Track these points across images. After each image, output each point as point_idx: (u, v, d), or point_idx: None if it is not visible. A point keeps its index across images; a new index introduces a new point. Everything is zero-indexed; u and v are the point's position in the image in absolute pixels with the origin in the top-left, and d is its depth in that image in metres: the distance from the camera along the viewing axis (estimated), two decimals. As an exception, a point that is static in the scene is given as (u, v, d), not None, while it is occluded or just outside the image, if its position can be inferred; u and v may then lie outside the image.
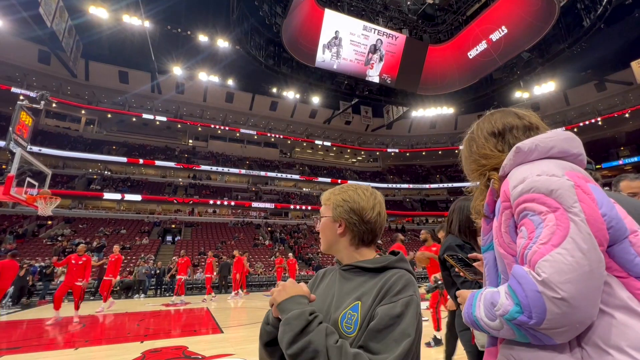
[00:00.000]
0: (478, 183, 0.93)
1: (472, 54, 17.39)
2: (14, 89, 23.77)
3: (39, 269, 11.58)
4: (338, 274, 0.94)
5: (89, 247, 17.78)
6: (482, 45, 16.71)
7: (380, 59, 17.54)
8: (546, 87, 21.47)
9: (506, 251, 0.77)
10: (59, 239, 19.34)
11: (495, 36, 15.95)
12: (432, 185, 37.89)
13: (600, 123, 29.12)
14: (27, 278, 10.55)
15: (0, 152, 19.78)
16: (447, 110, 24.82)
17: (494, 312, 0.71)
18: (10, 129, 8.21)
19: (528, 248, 0.68)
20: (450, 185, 36.85)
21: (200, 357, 4.04)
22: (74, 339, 5.31)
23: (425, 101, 21.45)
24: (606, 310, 0.65)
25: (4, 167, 10.42)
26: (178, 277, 10.38)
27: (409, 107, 23.15)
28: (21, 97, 9.51)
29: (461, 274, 1.14)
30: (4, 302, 10.21)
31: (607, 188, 1.40)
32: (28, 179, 9.54)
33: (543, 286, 0.62)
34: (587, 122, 29.34)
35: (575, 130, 29.23)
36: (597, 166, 27.15)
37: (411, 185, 37.93)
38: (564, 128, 29.34)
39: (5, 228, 19.35)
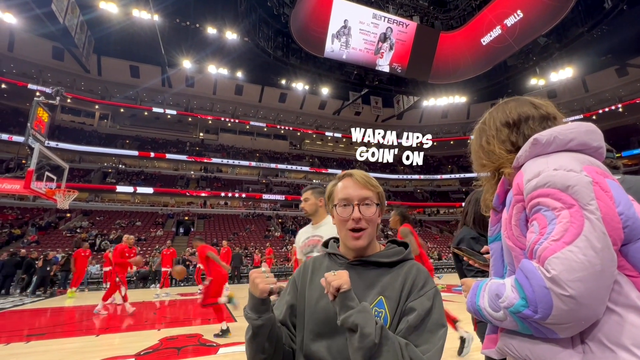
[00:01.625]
0: (488, 174, 0.90)
1: (486, 40, 16.87)
2: (30, 86, 24.37)
3: (60, 260, 12.02)
4: (349, 269, 0.87)
5: (106, 239, 18.36)
6: (496, 31, 16.17)
7: (391, 48, 17.20)
8: (563, 74, 20.69)
9: (514, 244, 0.76)
10: (78, 230, 20.00)
11: (510, 21, 15.40)
12: (444, 176, 37.40)
13: (620, 110, 27.99)
14: (48, 268, 10.95)
15: (19, 147, 20.40)
16: (459, 99, 24.27)
17: (498, 303, 0.71)
18: (29, 124, 8.45)
19: (538, 243, 0.67)
20: (462, 175, 36.31)
21: (214, 344, 4.16)
22: (95, 326, 5.54)
23: (437, 90, 21.03)
24: (613, 308, 0.65)
25: (23, 162, 10.75)
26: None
27: (420, 97, 22.74)
28: (37, 94, 9.75)
29: (470, 262, 1.14)
30: (28, 290, 10.71)
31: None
32: (47, 173, 9.85)
33: (551, 283, 0.62)
34: (606, 109, 28.24)
35: (594, 117, 28.23)
36: (617, 154, 26.25)
37: (422, 176, 37.53)
38: (582, 115, 28.49)
39: (28, 220, 20.11)
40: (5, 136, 23.55)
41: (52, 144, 23.13)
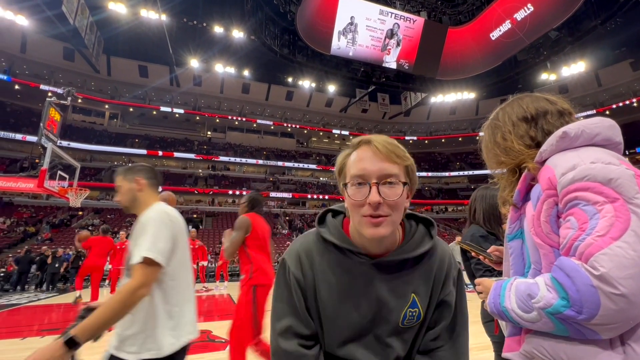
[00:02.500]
0: (504, 170, 0.88)
1: (495, 35, 16.58)
2: (42, 86, 24.84)
3: (72, 257, 12.28)
4: (371, 270, 0.74)
5: (116, 236, 18.67)
6: (506, 26, 15.87)
7: (398, 44, 17.04)
8: (575, 68, 20.25)
9: (543, 241, 0.73)
10: (89, 228, 20.39)
11: (520, 15, 15.10)
12: (452, 173, 37.01)
13: (635, 104, 27.26)
14: (57, 265, 11.21)
15: (33, 147, 20.81)
16: (467, 95, 23.97)
17: (530, 304, 0.68)
18: (41, 124, 8.62)
19: (580, 240, 0.64)
20: (471, 172, 35.88)
21: (223, 340, 4.21)
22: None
23: (445, 86, 20.77)
24: None
25: (37, 161, 11.00)
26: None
27: (428, 93, 22.51)
28: (49, 94, 9.94)
29: (480, 258, 1.12)
30: (43, 287, 10.98)
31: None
32: (59, 172, 10.05)
33: (600, 281, 0.59)
34: (620, 104, 27.57)
35: (607, 112, 27.57)
36: (631, 150, 25.63)
37: (430, 174, 37.22)
38: (594, 111, 27.86)
39: (42, 218, 20.59)
40: (19, 136, 24.10)
41: (64, 143, 23.58)
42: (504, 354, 0.83)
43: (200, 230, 23.36)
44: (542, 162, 0.77)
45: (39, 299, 8.71)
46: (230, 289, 10.39)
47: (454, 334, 0.77)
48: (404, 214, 0.74)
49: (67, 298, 8.83)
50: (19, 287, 11.23)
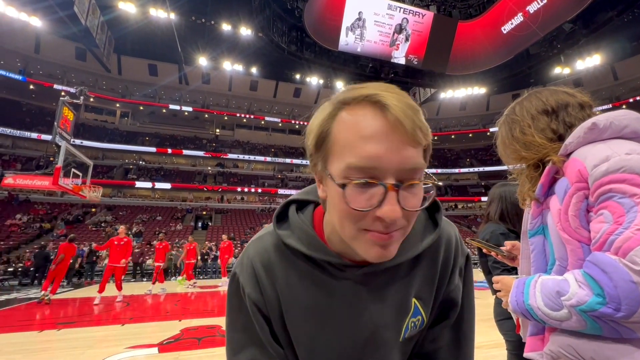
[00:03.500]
0: (523, 166, 0.85)
1: (507, 28, 16.23)
2: (56, 86, 25.40)
3: (86, 253, 12.59)
4: (355, 282, 0.53)
5: (128, 233, 19.05)
6: (518, 19, 15.52)
7: (406, 39, 16.84)
8: (591, 61, 19.73)
9: (571, 236, 0.70)
10: (102, 225, 20.84)
11: (532, 7, 14.73)
12: (462, 170, 36.53)
13: (653, 98, 26.45)
14: (71, 260, 11.54)
15: (48, 146, 21.32)
16: (478, 90, 23.56)
17: (559, 301, 0.65)
18: (55, 123, 8.81)
19: (616, 234, 0.61)
20: (481, 169, 35.37)
21: (233, 336, 4.27)
22: (120, 316, 5.79)
23: (455, 82, 20.46)
24: None
25: (51, 159, 11.26)
26: (156, 264, 8.90)
27: (437, 89, 22.21)
28: (62, 94, 10.16)
29: (492, 254, 1.10)
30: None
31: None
32: (73, 169, 10.28)
33: None
34: (638, 98, 26.74)
35: (624, 106, 26.74)
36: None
37: (439, 170, 36.82)
38: (610, 105, 27.11)
39: (57, 215, 21.12)
40: (34, 135, 24.72)
41: (77, 141, 24.09)
42: (527, 354, 0.80)
43: (210, 227, 23.63)
44: (567, 155, 0.74)
45: (56, 293, 8.96)
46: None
47: (460, 333, 0.60)
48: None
49: (82, 293, 9.07)
50: (35, 282, 11.60)
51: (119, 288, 7.41)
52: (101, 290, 7.04)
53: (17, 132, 24.31)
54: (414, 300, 0.55)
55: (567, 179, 0.72)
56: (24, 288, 10.67)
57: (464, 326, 0.61)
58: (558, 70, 21.10)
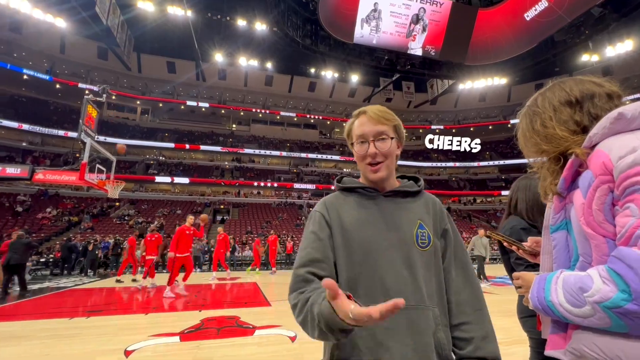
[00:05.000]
0: (544, 159, 0.83)
1: (530, 15, 15.52)
2: (80, 85, 26.38)
3: (111, 245, 13.15)
4: (383, 201, 0.92)
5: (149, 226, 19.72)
6: (543, 4, 14.80)
7: (424, 30, 16.41)
8: (622, 47, 18.64)
9: (595, 231, 0.68)
10: (126, 218, 21.65)
11: (558, -8, 14.02)
12: (481, 163, 35.55)
13: (691, 85, 24.76)
14: (97, 252, 12.11)
15: (74, 143, 22.27)
16: (498, 81, 22.78)
17: (582, 297, 0.64)
18: (80, 121, 9.17)
19: None
20: (501, 162, 34.29)
21: (251, 326, 4.37)
22: (144, 305, 6.03)
23: (474, 72, 19.83)
24: None
25: (77, 155, 11.75)
26: (148, 257, 8.36)
27: (456, 80, 21.60)
28: (86, 92, 10.53)
29: (513, 248, 1.07)
30: (89, 272, 11.87)
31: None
32: (97, 165, 10.70)
33: None
34: (673, 85, 25.11)
35: (657, 95, 25.21)
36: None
37: (457, 164, 36.01)
38: (643, 93, 25.53)
39: (83, 209, 22.10)
40: (61, 132, 25.85)
41: (101, 138, 24.97)
42: (547, 352, 0.79)
43: (228, 220, 24.12)
44: (592, 147, 0.71)
45: (83, 283, 9.44)
46: (257, 277, 10.72)
47: (460, 262, 0.92)
48: (397, 161, 0.96)
49: (108, 283, 9.50)
50: (65, 272, 12.26)
51: (171, 283, 7.01)
52: (171, 282, 6.86)
53: (45, 130, 25.49)
54: (418, 221, 0.89)
55: (591, 171, 0.69)
56: (55, 277, 11.29)
57: (459, 253, 0.93)
58: (585, 58, 20.06)
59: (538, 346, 1.49)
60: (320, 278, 0.81)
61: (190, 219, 7.54)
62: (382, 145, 0.90)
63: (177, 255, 6.86)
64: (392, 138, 0.91)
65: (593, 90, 0.77)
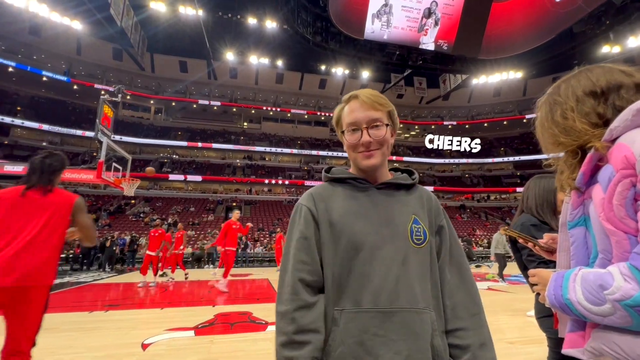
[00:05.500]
0: (562, 153, 0.79)
1: (547, 5, 15.04)
2: (96, 85, 27.06)
3: (128, 242, 13.51)
4: (375, 193, 0.86)
5: (163, 223, 20.12)
6: (560, -6, 14.32)
7: (436, 24, 16.12)
8: (645, 37, 17.85)
9: (616, 227, 0.65)
10: (141, 215, 22.17)
11: (577, -19, 13.53)
12: (496, 159, 34.83)
13: None
14: (114, 248, 12.47)
15: (91, 142, 22.88)
16: (514, 75, 22.19)
17: (602, 295, 0.62)
18: (97, 120, 9.40)
19: None
20: (517, 158, 33.49)
21: (263, 322, 4.43)
22: (159, 300, 6.18)
23: (488, 66, 19.37)
24: None
25: (94, 154, 12.09)
26: (148, 253, 8.04)
27: (469, 75, 21.18)
28: (102, 92, 10.78)
29: (529, 245, 1.05)
30: (107, 268, 12.25)
31: None
32: (114, 164, 10.97)
33: None
34: (701, 76, 23.93)
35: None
36: None
37: (470, 160, 35.36)
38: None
39: (100, 206, 22.75)
40: (79, 132, 26.62)
41: (117, 137, 25.60)
42: (565, 350, 0.77)
43: (240, 217, 24.41)
44: (612, 141, 0.69)
45: (102, 278, 9.73)
46: (268, 273, 10.85)
47: (456, 261, 0.86)
48: (390, 150, 0.90)
49: (125, 278, 9.77)
50: (84, 267, 12.68)
51: (226, 275, 6.99)
52: (226, 275, 6.91)
53: (64, 130, 26.30)
54: (413, 215, 0.84)
55: (611, 165, 0.67)
56: (75, 272, 11.68)
57: (454, 251, 0.88)
58: (606, 49, 19.33)
59: (556, 346, 1.46)
60: (308, 285, 0.78)
61: (236, 213, 7.55)
62: (376, 132, 0.83)
63: (228, 248, 6.86)
64: (386, 125, 0.85)
65: (621, 81, 0.73)
